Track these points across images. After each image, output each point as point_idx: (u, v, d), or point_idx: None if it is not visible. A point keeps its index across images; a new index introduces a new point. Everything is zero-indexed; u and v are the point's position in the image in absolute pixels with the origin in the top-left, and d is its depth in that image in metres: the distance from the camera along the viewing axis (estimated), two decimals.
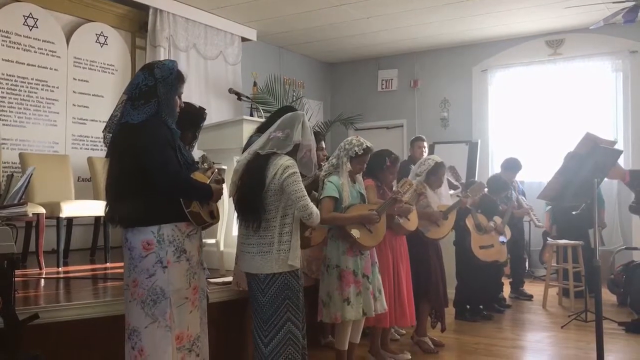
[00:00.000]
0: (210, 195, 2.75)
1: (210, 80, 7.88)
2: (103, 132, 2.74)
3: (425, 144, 7.06)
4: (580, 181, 3.18)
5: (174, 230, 2.67)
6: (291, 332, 3.00)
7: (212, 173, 2.97)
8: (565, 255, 6.28)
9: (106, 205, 2.73)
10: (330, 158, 3.96)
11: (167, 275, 2.64)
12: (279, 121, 3.18)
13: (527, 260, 7.87)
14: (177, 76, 2.78)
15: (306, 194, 3.00)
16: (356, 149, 3.80)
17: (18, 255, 2.82)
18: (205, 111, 3.54)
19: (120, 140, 2.66)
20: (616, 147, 3.58)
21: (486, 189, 5.75)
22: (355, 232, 3.70)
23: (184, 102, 3.54)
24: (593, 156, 3.10)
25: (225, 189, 4.67)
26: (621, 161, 7.88)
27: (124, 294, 2.76)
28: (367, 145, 3.83)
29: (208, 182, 2.84)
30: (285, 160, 3.03)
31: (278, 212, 3.03)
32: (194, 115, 3.40)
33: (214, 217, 2.84)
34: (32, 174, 3.13)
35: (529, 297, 6.68)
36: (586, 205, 5.46)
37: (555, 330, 5.26)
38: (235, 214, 3.20)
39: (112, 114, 2.74)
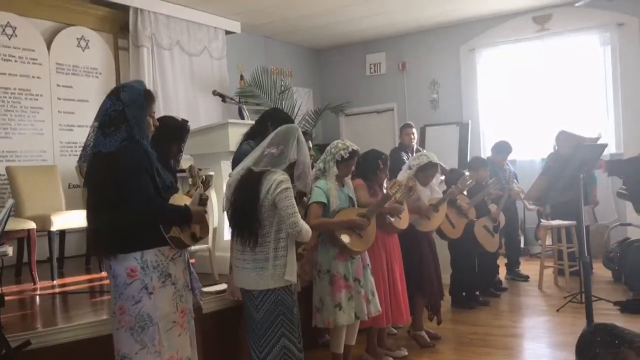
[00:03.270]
0: (189, 219, 2.73)
1: (197, 77, 7.81)
2: (78, 162, 2.72)
3: (414, 130, 7.02)
4: (566, 179, 3.17)
5: (158, 255, 2.66)
6: (286, 347, 3.03)
7: (197, 189, 2.95)
8: (559, 235, 6.30)
9: (88, 235, 2.71)
10: (317, 162, 3.95)
11: (153, 301, 2.63)
12: (272, 135, 3.16)
13: (522, 238, 7.90)
14: (146, 97, 2.73)
15: (297, 210, 3.00)
16: (342, 152, 3.79)
17: (1, 292, 2.79)
18: (188, 123, 3.52)
19: (95, 170, 2.63)
20: (601, 138, 3.53)
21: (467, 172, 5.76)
22: (344, 237, 3.69)
23: (166, 116, 3.53)
24: (578, 155, 3.08)
25: (214, 199, 4.70)
26: (612, 135, 8.00)
27: (111, 321, 2.75)
28: (353, 149, 3.82)
29: (190, 202, 2.82)
30: (279, 175, 3.03)
31: (272, 227, 3.03)
32: (177, 129, 3.37)
33: (196, 239, 2.82)
34: (12, 208, 3.10)
35: (525, 278, 6.72)
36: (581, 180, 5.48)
37: (551, 314, 5.29)
38: (229, 228, 3.21)
39: (85, 143, 2.70)
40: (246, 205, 3.03)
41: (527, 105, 8.68)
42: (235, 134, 4.29)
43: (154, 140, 2.81)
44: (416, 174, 4.55)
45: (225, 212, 3.33)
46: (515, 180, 6.58)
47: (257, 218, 3.00)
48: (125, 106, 2.65)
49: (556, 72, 8.50)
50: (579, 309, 5.25)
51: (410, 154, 6.64)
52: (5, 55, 6.02)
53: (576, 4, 6.60)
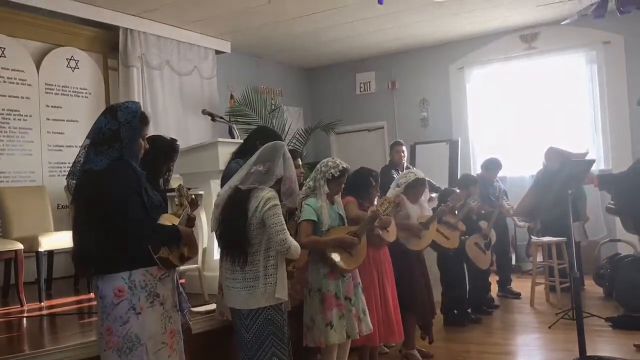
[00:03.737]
0: (178, 238, 2.71)
1: (186, 96, 7.81)
2: (67, 178, 2.70)
3: (404, 147, 7.04)
4: (554, 194, 3.18)
5: (146, 275, 2.63)
6: None
7: (184, 210, 2.94)
8: (550, 252, 6.31)
9: (74, 253, 2.68)
10: (308, 180, 3.94)
11: (141, 322, 2.60)
12: (258, 153, 3.16)
13: (513, 255, 7.91)
14: (141, 118, 2.74)
15: (285, 227, 2.99)
16: (332, 171, 3.79)
17: None
18: (177, 142, 3.51)
19: (85, 187, 2.61)
20: (589, 154, 3.55)
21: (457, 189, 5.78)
22: (335, 256, 3.68)
23: (155, 135, 3.53)
24: (565, 170, 3.10)
25: (203, 218, 4.67)
26: (600, 151, 8.06)
27: (98, 343, 2.71)
28: (343, 167, 3.82)
29: (178, 223, 2.81)
30: (266, 192, 3.02)
31: (262, 245, 3.02)
32: (166, 149, 3.37)
33: (185, 259, 2.80)
34: None
35: (517, 295, 6.71)
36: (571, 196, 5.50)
37: (543, 330, 5.28)
38: (218, 248, 3.19)
39: (75, 160, 2.69)
40: (235, 224, 3.02)
41: (516, 123, 8.74)
42: (225, 153, 4.28)
43: (143, 160, 2.81)
44: (405, 191, 4.55)
45: (213, 232, 3.31)
46: (505, 197, 6.60)
47: (246, 236, 2.98)
48: (121, 126, 2.64)
49: (544, 89, 8.58)
50: (571, 325, 5.22)
51: (400, 172, 6.65)
52: None
53: (562, 23, 6.66)
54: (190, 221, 2.85)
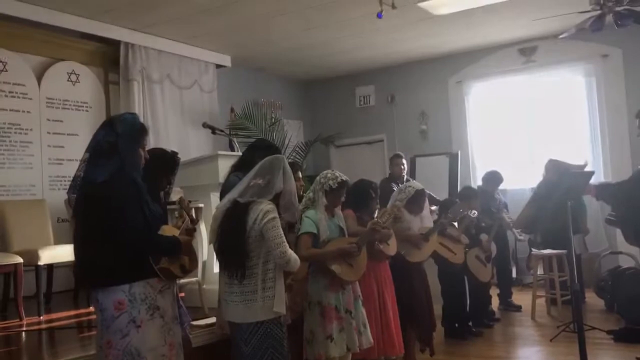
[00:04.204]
0: (179, 249, 2.71)
1: (187, 110, 7.84)
2: (67, 193, 2.71)
3: (404, 160, 7.06)
4: (553, 206, 3.18)
5: (146, 288, 2.63)
6: None
7: (184, 221, 2.94)
8: (550, 265, 6.29)
9: (75, 267, 2.68)
10: (307, 192, 3.94)
11: (141, 335, 2.60)
12: (258, 166, 3.16)
13: (514, 268, 7.88)
14: (139, 129, 2.75)
15: (284, 240, 2.98)
16: (331, 182, 3.79)
17: None
18: (178, 155, 3.53)
19: (85, 200, 2.62)
20: (587, 166, 3.56)
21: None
22: (335, 268, 3.67)
23: (156, 148, 3.54)
24: (564, 182, 3.10)
25: (203, 231, 4.67)
26: (599, 163, 8.08)
27: (97, 356, 2.70)
28: (342, 179, 3.82)
29: (178, 234, 2.81)
30: (265, 205, 3.01)
31: (260, 258, 3.00)
32: (167, 161, 3.38)
33: (186, 270, 2.80)
34: None
35: (518, 308, 6.68)
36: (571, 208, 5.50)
37: (544, 343, 5.25)
38: (217, 261, 3.18)
39: (75, 174, 2.70)
40: (233, 237, 3.01)
41: (515, 135, 8.77)
42: (225, 166, 4.28)
43: (144, 172, 2.81)
44: (407, 205, 4.56)
45: (212, 245, 3.31)
46: (505, 210, 6.59)
47: (245, 249, 2.97)
48: (119, 137, 2.65)
49: (543, 102, 8.61)
50: (572, 338, 5.17)
51: (400, 185, 6.65)
52: None
53: (560, 36, 6.71)
54: (190, 231, 2.85)
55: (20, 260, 4.79)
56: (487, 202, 6.36)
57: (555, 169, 3.37)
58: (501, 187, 6.93)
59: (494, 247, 5.97)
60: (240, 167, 3.87)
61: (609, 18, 5.84)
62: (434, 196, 6.75)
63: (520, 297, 6.94)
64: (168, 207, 3.43)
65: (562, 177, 3.17)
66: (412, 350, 4.58)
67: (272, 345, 2.98)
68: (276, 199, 3.09)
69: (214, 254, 4.43)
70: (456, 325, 5.63)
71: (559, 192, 3.14)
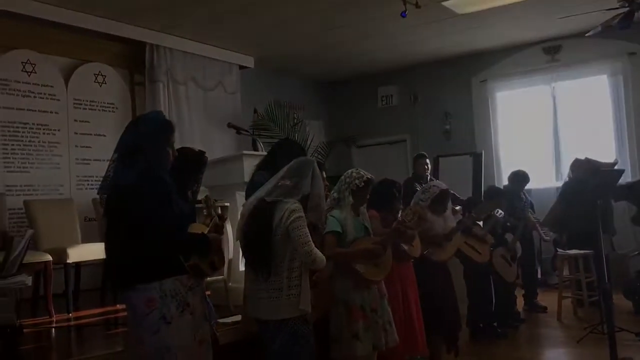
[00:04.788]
0: (208, 246, 2.73)
1: (211, 111, 7.91)
2: (98, 193, 2.75)
3: (428, 160, 7.03)
4: (583, 205, 3.15)
5: (175, 284, 2.65)
6: None
7: (212, 219, 2.97)
8: (576, 265, 6.22)
9: (106, 265, 2.72)
10: (332, 192, 3.94)
11: (172, 331, 2.62)
12: (287, 167, 3.18)
13: (539, 269, 7.79)
14: (163, 127, 2.77)
15: (310, 239, 2.99)
16: (357, 182, 3.78)
17: (20, 324, 2.79)
18: (205, 154, 3.55)
19: (115, 201, 2.66)
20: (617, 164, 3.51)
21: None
22: (360, 267, 3.66)
23: (184, 147, 3.56)
24: (594, 180, 3.07)
25: (229, 230, 4.70)
26: (626, 162, 7.95)
27: (128, 353, 2.74)
28: (367, 178, 3.81)
29: (207, 231, 2.83)
30: (291, 205, 3.03)
31: (285, 256, 3.02)
32: (194, 161, 3.40)
33: (215, 267, 2.82)
34: (30, 239, 3.13)
35: (544, 309, 6.61)
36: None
37: (571, 345, 5.19)
38: (242, 259, 3.20)
39: (105, 174, 2.73)
40: (259, 236, 3.02)
41: (540, 135, 8.68)
42: (250, 165, 4.32)
43: (172, 171, 2.84)
44: (432, 205, 4.53)
45: (238, 243, 3.33)
46: (531, 210, 6.53)
47: (270, 248, 2.99)
48: (143, 137, 2.68)
49: (568, 101, 8.52)
50: (599, 340, 5.14)
51: (424, 185, 6.62)
52: (25, 92, 6.16)
53: (587, 34, 6.63)
54: (219, 228, 2.87)
55: (49, 258, 4.87)
56: (513, 202, 6.31)
57: (584, 167, 3.32)
58: (526, 186, 6.85)
59: (518, 247, 5.91)
60: (265, 167, 3.89)
61: (638, 15, 5.75)
62: (458, 195, 6.71)
63: (546, 298, 6.87)
64: (195, 206, 3.46)
65: (592, 175, 3.13)
66: (438, 351, 4.56)
67: (299, 342, 2.99)
68: (304, 201, 3.11)
69: (240, 252, 4.49)
70: (481, 326, 5.59)
71: (588, 190, 3.10)
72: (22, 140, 6.09)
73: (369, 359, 3.79)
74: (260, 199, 3.12)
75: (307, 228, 3.02)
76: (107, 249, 2.71)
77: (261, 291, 3.03)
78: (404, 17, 6.10)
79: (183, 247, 2.66)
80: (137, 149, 2.66)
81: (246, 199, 3.66)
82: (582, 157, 5.57)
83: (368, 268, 3.70)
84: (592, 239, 6.11)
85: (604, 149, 8.19)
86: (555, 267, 7.13)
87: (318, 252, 3.03)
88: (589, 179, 3.16)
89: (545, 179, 8.30)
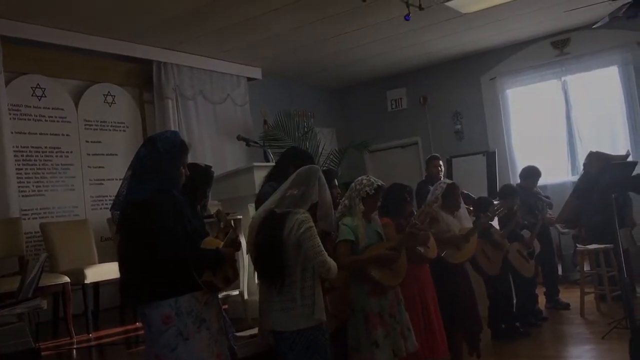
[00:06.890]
0: (222, 261, 2.73)
1: (221, 124, 7.94)
2: (111, 210, 2.76)
3: (441, 162, 6.99)
4: (597, 199, 3.10)
5: (191, 301, 2.65)
6: None
7: (226, 234, 2.96)
8: (597, 260, 6.13)
9: (121, 283, 2.73)
10: (343, 199, 3.93)
11: (189, 347, 2.62)
12: (293, 177, 3.18)
13: (560, 265, 7.69)
14: (181, 147, 2.80)
15: (323, 248, 2.98)
16: (367, 189, 3.76)
17: (38, 347, 2.81)
18: (212, 169, 3.56)
19: (128, 218, 2.67)
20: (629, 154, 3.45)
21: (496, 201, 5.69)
22: (375, 273, 3.64)
23: (190, 163, 3.58)
24: (607, 173, 3.02)
25: (243, 243, 4.70)
26: (638, 154, 7.82)
27: None
28: (378, 184, 3.79)
29: (221, 245, 2.83)
30: (300, 215, 3.02)
31: (297, 267, 3.01)
32: (201, 175, 3.42)
33: (229, 281, 2.82)
34: (45, 261, 3.15)
35: (566, 306, 6.51)
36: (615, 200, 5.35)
37: (596, 341, 5.11)
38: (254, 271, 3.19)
39: (118, 191, 2.75)
40: (270, 247, 3.02)
41: (553, 129, 8.59)
42: (261, 177, 4.32)
43: (181, 187, 2.85)
44: (443, 201, 4.51)
45: (249, 255, 3.32)
46: (549, 211, 6.45)
47: (282, 259, 2.98)
48: (162, 155, 2.70)
49: (579, 94, 8.44)
50: (625, 334, 5.04)
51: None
52: (36, 116, 6.22)
53: (594, 26, 6.56)
54: (232, 242, 2.86)
55: (67, 279, 4.91)
56: (527, 199, 6.24)
57: (596, 161, 3.27)
58: (541, 181, 6.78)
59: (537, 245, 5.84)
60: (274, 177, 3.90)
61: None
62: (470, 194, 6.65)
63: (568, 295, 6.77)
64: (205, 220, 3.47)
65: (605, 169, 3.08)
66: (460, 353, 4.51)
67: (317, 351, 2.98)
68: (312, 209, 3.10)
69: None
70: (503, 326, 5.53)
71: (601, 184, 3.05)
72: (36, 164, 6.14)
73: None
74: (269, 210, 3.11)
75: (318, 238, 3.01)
76: (120, 266, 2.72)
77: (275, 303, 3.02)
78: (407, 20, 6.08)
79: (196, 262, 2.65)
80: (154, 167, 2.68)
81: (256, 209, 3.67)
82: (597, 150, 5.51)
83: (383, 274, 3.67)
84: (610, 234, 6.10)
85: (618, 140, 8.09)
86: (576, 263, 7.03)
87: (332, 261, 3.02)
88: (601, 173, 3.11)
89: (561, 173, 8.22)
